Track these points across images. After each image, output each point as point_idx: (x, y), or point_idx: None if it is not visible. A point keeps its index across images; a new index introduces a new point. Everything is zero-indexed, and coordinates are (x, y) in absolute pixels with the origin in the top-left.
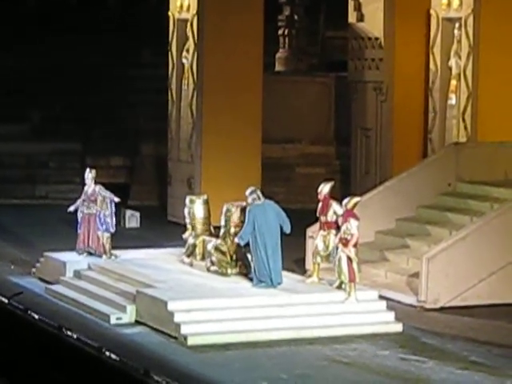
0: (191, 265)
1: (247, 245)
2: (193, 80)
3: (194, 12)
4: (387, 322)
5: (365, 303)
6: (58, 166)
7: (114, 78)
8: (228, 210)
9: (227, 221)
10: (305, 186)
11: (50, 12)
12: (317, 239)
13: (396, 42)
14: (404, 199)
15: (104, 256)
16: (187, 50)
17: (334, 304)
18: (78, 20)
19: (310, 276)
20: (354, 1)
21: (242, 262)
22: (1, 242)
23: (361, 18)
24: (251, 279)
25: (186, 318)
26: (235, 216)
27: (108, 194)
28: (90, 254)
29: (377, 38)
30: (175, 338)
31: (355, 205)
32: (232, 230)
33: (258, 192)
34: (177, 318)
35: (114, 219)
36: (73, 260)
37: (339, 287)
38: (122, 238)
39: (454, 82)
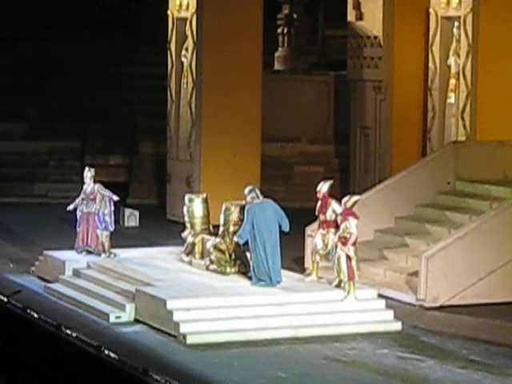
0: (190, 263)
1: (246, 243)
2: (192, 79)
3: (193, 11)
4: (386, 321)
5: (364, 302)
6: (57, 164)
7: (113, 76)
8: (227, 209)
9: (226, 219)
10: (304, 184)
11: (49, 9)
12: (316, 238)
13: (395, 41)
14: (403, 198)
15: (103, 254)
16: (186, 49)
17: (332, 303)
18: (77, 17)
19: (309, 275)
20: None
21: (241, 260)
22: (0, 241)
23: (360, 17)
24: (250, 278)
25: (185, 317)
26: (234, 215)
27: (107, 192)
28: (89, 252)
29: (376, 37)
30: (174, 336)
31: (354, 203)
32: (231, 229)
33: (257, 191)
34: (176, 317)
35: (113, 218)
36: (72, 258)
37: (338, 286)
38: (121, 237)
39: (453, 81)
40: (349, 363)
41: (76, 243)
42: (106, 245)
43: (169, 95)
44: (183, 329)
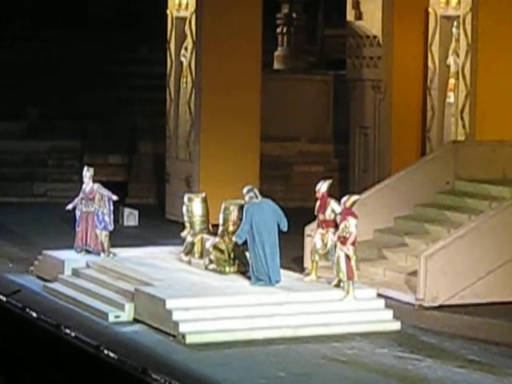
0: (189, 263)
1: (245, 243)
2: (191, 78)
3: (193, 10)
4: (385, 321)
5: (363, 301)
6: (57, 163)
7: (112, 76)
8: (226, 208)
9: (225, 219)
10: (303, 184)
11: (48, 8)
12: (315, 237)
13: (394, 41)
14: (402, 197)
15: (102, 254)
16: (185, 48)
17: (332, 302)
18: (77, 17)
19: (308, 274)
20: None
21: (240, 260)
22: None
23: (359, 16)
24: (249, 277)
25: (184, 316)
26: (233, 214)
27: (106, 192)
28: (89, 252)
29: (375, 36)
30: (173, 336)
31: (354, 203)
32: (230, 228)
33: (255, 190)
34: (175, 316)
35: (112, 217)
36: (71, 258)
37: (337, 285)
38: (121, 236)
39: (452, 81)
40: (348, 363)
41: (75, 243)
42: (106, 244)
43: (168, 95)
44: (182, 328)
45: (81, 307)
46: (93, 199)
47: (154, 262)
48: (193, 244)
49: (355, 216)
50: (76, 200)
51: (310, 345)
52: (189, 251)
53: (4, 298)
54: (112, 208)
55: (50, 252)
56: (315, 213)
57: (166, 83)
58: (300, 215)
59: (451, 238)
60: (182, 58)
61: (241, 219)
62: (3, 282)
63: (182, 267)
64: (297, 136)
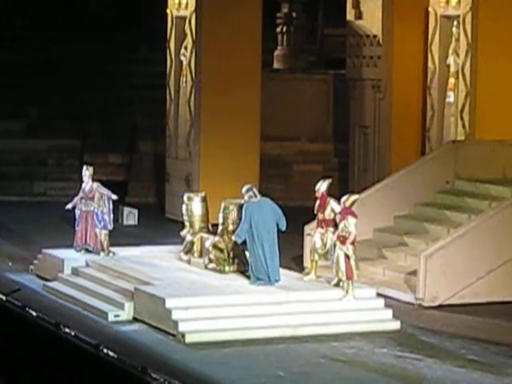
0: (189, 262)
1: (245, 242)
2: (191, 77)
3: (193, 9)
4: (385, 320)
5: (362, 301)
6: (57, 162)
7: (112, 75)
8: (226, 208)
9: (225, 218)
10: (303, 183)
11: (48, 8)
12: (314, 237)
13: (394, 40)
14: (402, 197)
15: (102, 253)
16: (185, 48)
17: (331, 302)
18: (77, 17)
19: (307, 274)
20: None
21: (239, 259)
22: None
23: (359, 16)
24: (249, 277)
25: (184, 316)
26: (233, 213)
27: (106, 191)
28: (88, 251)
29: (375, 36)
30: (173, 335)
31: (353, 202)
32: (230, 228)
33: (254, 189)
34: (175, 316)
35: (112, 216)
36: (71, 257)
37: (337, 285)
38: (120, 236)
39: (452, 80)
40: (347, 362)
41: (75, 242)
42: (105, 243)
43: (168, 94)
44: (182, 327)
45: (80, 306)
46: (92, 198)
47: (154, 261)
48: (192, 243)
49: (355, 215)
50: (76, 199)
51: (309, 344)
52: (188, 250)
53: (4, 297)
54: (111, 207)
55: (49, 251)
56: (315, 212)
57: (166, 83)
58: (300, 214)
59: (451, 237)
60: (182, 58)
61: (240, 218)
62: (3, 281)
63: (181, 266)
64: (297, 135)
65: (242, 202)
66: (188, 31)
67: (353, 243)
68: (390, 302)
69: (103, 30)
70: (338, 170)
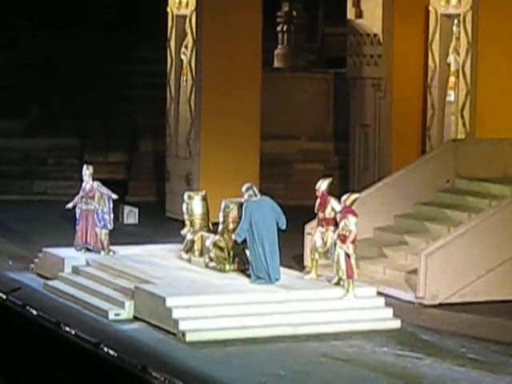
0: (189, 261)
1: (245, 241)
2: (191, 76)
3: (193, 8)
4: (385, 319)
5: (363, 300)
6: (57, 161)
7: (112, 74)
8: (226, 207)
9: (225, 217)
10: (303, 182)
11: (48, 8)
12: (315, 236)
13: (394, 39)
14: (402, 196)
15: (102, 252)
16: (186, 46)
17: (332, 300)
18: (77, 16)
19: (308, 272)
20: None
21: (240, 258)
22: None
23: (359, 15)
24: (249, 275)
25: (184, 314)
26: (233, 212)
27: (106, 190)
28: (89, 250)
29: (375, 35)
30: (173, 334)
31: (354, 201)
32: (230, 226)
33: (254, 188)
34: (175, 314)
35: (112, 216)
36: (71, 256)
37: (337, 284)
38: (121, 234)
39: (452, 79)
40: (348, 361)
41: (75, 241)
42: (105, 243)
43: (168, 93)
44: (182, 326)
45: (81, 305)
46: (93, 197)
47: (154, 260)
48: (193, 242)
49: (355, 214)
50: (76, 198)
51: (309, 343)
52: (189, 249)
53: (4, 296)
54: (112, 206)
55: (50, 250)
56: (315, 211)
57: (167, 81)
58: (300, 213)
59: (451, 236)
60: (182, 56)
61: (240, 217)
62: (3, 280)
63: (181, 265)
64: (297, 134)
65: (243, 200)
66: (188, 30)
67: (353, 242)
68: (390, 300)
69: (103, 30)
70: (338, 169)
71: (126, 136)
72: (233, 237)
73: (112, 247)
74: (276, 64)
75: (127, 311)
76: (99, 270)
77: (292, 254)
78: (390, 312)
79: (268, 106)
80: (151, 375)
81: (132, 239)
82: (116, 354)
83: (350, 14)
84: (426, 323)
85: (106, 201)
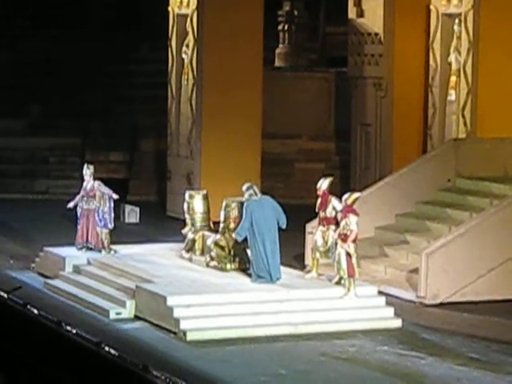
0: (190, 260)
1: (246, 240)
2: (192, 75)
3: (194, 7)
4: (386, 318)
5: (364, 299)
6: (58, 160)
7: (113, 73)
8: (227, 206)
9: (226, 216)
10: (304, 181)
11: (49, 7)
12: (316, 235)
13: (396, 38)
14: (403, 195)
15: (103, 251)
16: (187, 46)
17: (332, 300)
18: (77, 15)
19: (309, 271)
20: None
21: (241, 257)
22: (1, 237)
23: (361, 14)
24: (250, 275)
25: (185, 314)
26: (235, 211)
27: (107, 190)
28: (90, 249)
29: (377, 34)
30: (174, 333)
31: (355, 200)
32: (231, 226)
33: (255, 188)
34: (176, 313)
35: (113, 215)
36: (72, 255)
37: (338, 283)
38: (122, 233)
39: (453, 78)
40: (349, 360)
41: (76, 240)
42: (106, 242)
43: (169, 92)
44: (183, 325)
45: (82, 304)
46: (94, 197)
47: (155, 259)
48: (194, 241)
49: (356, 213)
50: (77, 198)
51: (310, 342)
52: (190, 248)
53: (5, 295)
54: (112, 206)
55: (51, 249)
56: (316, 210)
57: (168, 80)
58: (301, 212)
59: (452, 235)
60: (184, 56)
61: (241, 216)
62: (4, 279)
63: (182, 264)
64: (298, 133)
65: (244, 199)
66: (189, 29)
67: (354, 241)
68: (391, 299)
69: (103, 30)
70: (339, 168)
71: (127, 135)
72: (233, 235)
73: (113, 246)
74: (277, 63)
75: (128, 310)
76: (100, 269)
77: (293, 253)
78: (390, 311)
79: (269, 105)
80: (152, 374)
81: (133, 238)
82: (117, 354)
83: (352, 13)
84: (426, 322)
85: (107, 200)
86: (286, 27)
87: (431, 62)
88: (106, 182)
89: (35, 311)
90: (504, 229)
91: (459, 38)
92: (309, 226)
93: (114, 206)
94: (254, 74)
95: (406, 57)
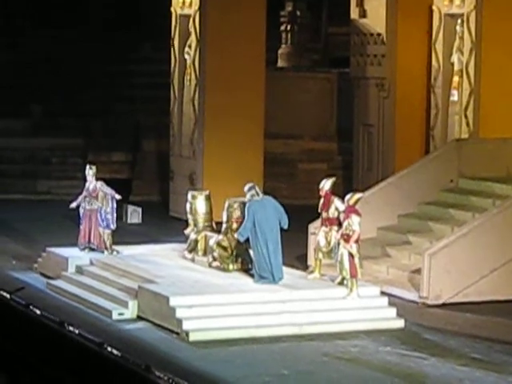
0: (193, 260)
1: (247, 241)
2: (195, 76)
3: (197, 8)
4: (389, 318)
5: (366, 299)
6: (60, 161)
7: (113, 73)
8: (230, 206)
9: (229, 216)
10: (307, 181)
11: (51, 6)
12: (318, 235)
13: (398, 38)
14: (406, 195)
15: (105, 252)
16: (189, 46)
17: (335, 300)
18: (77, 15)
19: (311, 272)
20: None
21: (243, 257)
22: (3, 238)
23: (363, 14)
24: (252, 275)
25: (188, 314)
26: (237, 212)
27: (109, 190)
28: (92, 249)
29: (379, 34)
30: (177, 333)
31: (357, 201)
32: (234, 226)
33: (257, 188)
34: (178, 314)
35: (115, 216)
36: (75, 255)
37: (341, 283)
38: (124, 234)
39: (456, 79)
40: (351, 360)
41: (78, 240)
42: (108, 243)
43: (172, 92)
44: (186, 326)
45: (84, 304)
46: (96, 197)
47: (158, 260)
48: (196, 241)
49: (358, 214)
50: (80, 198)
51: (313, 342)
52: (192, 249)
53: (8, 295)
54: (115, 206)
55: (53, 249)
56: (319, 211)
57: (170, 81)
58: (304, 213)
59: (455, 236)
60: (186, 56)
61: (244, 217)
62: (7, 280)
63: (185, 265)
64: (300, 134)
65: (246, 200)
66: (192, 30)
67: (357, 242)
68: (393, 300)
69: (103, 30)
70: (341, 169)
71: (128, 135)
72: (235, 236)
73: (115, 247)
74: (280, 63)
75: (131, 311)
76: (103, 269)
77: (295, 253)
78: (393, 312)
79: (271, 105)
80: (155, 375)
81: (135, 239)
82: (119, 354)
83: (354, 13)
84: (429, 323)
85: (110, 201)
86: (288, 27)
87: (434, 62)
88: (109, 183)
89: (38, 312)
90: (507, 229)
91: (462, 38)
92: (311, 227)
93: (117, 206)
94: (256, 75)
95: (409, 57)
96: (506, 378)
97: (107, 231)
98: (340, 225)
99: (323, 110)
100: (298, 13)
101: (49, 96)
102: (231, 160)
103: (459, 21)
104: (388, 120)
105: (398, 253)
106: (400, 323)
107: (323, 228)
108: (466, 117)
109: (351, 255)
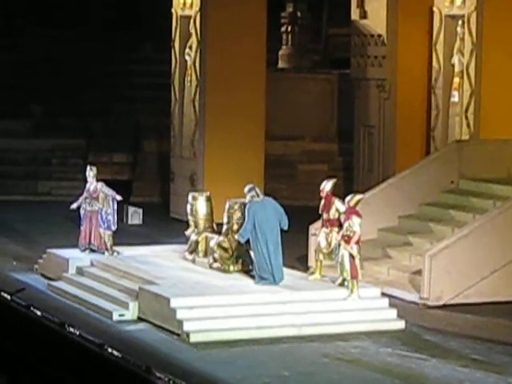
0: (193, 262)
1: (248, 242)
2: (196, 77)
3: (197, 9)
4: (389, 320)
5: (367, 300)
6: (61, 162)
7: (116, 74)
8: (230, 207)
9: (230, 218)
10: (307, 183)
11: (51, 6)
12: (319, 236)
13: (399, 39)
14: (407, 196)
15: (106, 253)
16: (190, 47)
17: (336, 301)
18: (77, 15)
19: (312, 273)
20: None
21: (244, 258)
22: (3, 239)
23: (364, 15)
24: (253, 276)
25: (189, 315)
26: (238, 213)
27: (110, 191)
28: (93, 250)
29: (380, 35)
30: (178, 334)
31: (358, 202)
32: (234, 227)
33: (257, 189)
34: (179, 315)
35: (116, 217)
36: (75, 256)
37: (341, 284)
38: (125, 235)
39: (456, 80)
40: (352, 362)
41: (79, 241)
42: (109, 244)
43: (172, 93)
44: (186, 327)
45: (85, 306)
46: (97, 198)
47: (158, 261)
48: (197, 243)
49: (359, 215)
50: (80, 199)
51: (313, 344)
52: (193, 250)
53: (8, 297)
54: (115, 208)
55: (54, 250)
56: (319, 212)
57: (171, 82)
58: (304, 214)
59: (455, 237)
60: (187, 57)
61: (244, 218)
62: (8, 281)
63: (186, 266)
64: (301, 135)
65: (246, 201)
66: (193, 31)
67: (357, 243)
68: (394, 301)
69: (103, 30)
70: (342, 170)
71: (130, 136)
72: (236, 237)
73: (116, 248)
74: (280, 64)
75: (131, 312)
76: (103, 270)
77: (296, 254)
78: (394, 313)
79: (272, 106)
80: (155, 376)
81: (136, 240)
82: (120, 355)
83: (355, 14)
84: (430, 324)
85: (110, 202)
86: (289, 29)
87: (434, 63)
88: (109, 184)
89: (38, 313)
90: (507, 230)
91: (462, 39)
92: (312, 228)
93: (117, 207)
94: (257, 76)
95: (409, 58)
96: (506, 379)
97: (108, 232)
98: (341, 226)
99: (324, 111)
100: (299, 14)
101: (49, 96)
102: (232, 161)
103: (460, 22)
104: (388, 121)
105: (398, 254)
106: (401, 324)
107: (324, 229)
108: (466, 118)
109: (352, 256)
